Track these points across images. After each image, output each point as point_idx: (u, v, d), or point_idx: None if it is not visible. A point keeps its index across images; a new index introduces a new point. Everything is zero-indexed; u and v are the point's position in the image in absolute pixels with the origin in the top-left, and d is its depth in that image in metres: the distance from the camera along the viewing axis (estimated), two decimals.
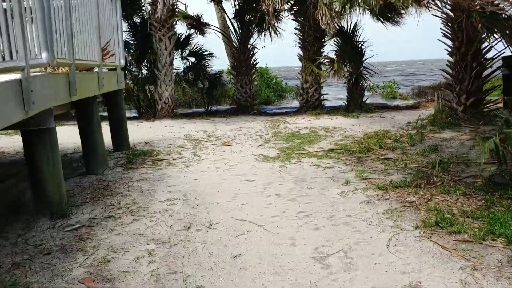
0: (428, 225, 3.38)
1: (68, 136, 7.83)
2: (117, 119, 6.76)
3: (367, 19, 35.34)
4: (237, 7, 11.93)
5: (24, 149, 3.84)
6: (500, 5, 4.92)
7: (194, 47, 12.23)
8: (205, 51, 12.28)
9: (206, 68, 12.37)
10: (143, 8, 11.68)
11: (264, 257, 2.99)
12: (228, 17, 12.44)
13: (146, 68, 11.65)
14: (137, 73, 11.88)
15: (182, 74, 12.38)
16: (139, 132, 8.66)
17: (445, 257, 2.89)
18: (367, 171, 5.08)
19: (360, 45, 11.19)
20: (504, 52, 8.15)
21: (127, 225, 3.56)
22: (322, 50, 11.52)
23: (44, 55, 3.45)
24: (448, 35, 8.44)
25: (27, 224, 3.60)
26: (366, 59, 11.28)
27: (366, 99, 11.83)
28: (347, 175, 5.01)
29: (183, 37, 12.02)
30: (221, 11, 13.51)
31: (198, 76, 12.39)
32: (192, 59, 12.35)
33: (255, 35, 12.14)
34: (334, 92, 14.90)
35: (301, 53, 11.66)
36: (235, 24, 12.12)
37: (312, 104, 11.59)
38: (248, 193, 4.48)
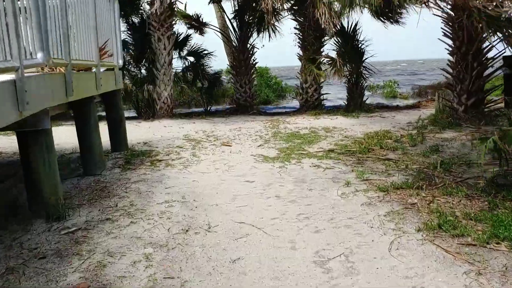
0: (430, 228, 3.32)
1: (66, 136, 7.78)
2: (115, 119, 6.70)
3: (367, 18, 35.27)
4: (236, 6, 11.87)
5: (20, 151, 3.78)
6: (504, 7, 4.86)
7: (193, 47, 12.18)
8: (204, 50, 12.23)
9: (205, 67, 12.31)
10: (142, 8, 11.61)
11: (263, 261, 2.93)
12: (228, 16, 12.39)
13: (145, 68, 11.59)
14: (136, 73, 11.81)
15: (181, 74, 12.32)
16: (137, 132, 8.60)
17: (449, 261, 2.83)
18: (368, 172, 5.02)
19: (360, 45, 11.13)
20: (505, 52, 8.10)
21: (124, 228, 3.49)
22: (321, 50, 11.46)
23: (39, 55, 3.39)
24: (449, 34, 8.39)
25: (23, 227, 3.54)
26: (366, 59, 11.22)
27: (366, 99, 11.77)
28: (348, 176, 4.95)
29: (182, 36, 11.97)
30: (221, 10, 13.45)
31: (197, 76, 12.33)
32: (191, 58, 12.29)
33: (255, 34, 12.09)
34: (334, 91, 14.83)
35: (301, 52, 11.60)
36: (235, 24, 12.07)
37: (312, 104, 11.53)
38: (248, 195, 4.42)
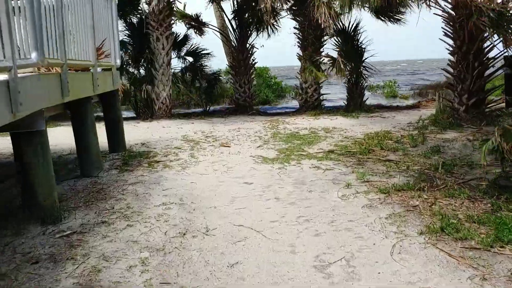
0: (433, 231, 3.25)
1: (63, 137, 7.71)
2: (113, 120, 6.63)
3: (367, 18, 35.22)
4: (236, 6, 11.80)
5: (14, 152, 3.73)
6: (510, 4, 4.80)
7: (192, 47, 12.10)
8: (203, 50, 12.16)
9: (204, 67, 12.24)
10: (140, 7, 11.53)
11: (262, 265, 2.86)
12: (227, 16, 12.33)
13: (143, 67, 11.51)
14: (134, 73, 11.73)
15: (179, 74, 12.25)
16: (136, 132, 8.53)
17: (452, 266, 2.76)
18: (368, 173, 4.95)
19: (360, 44, 11.06)
20: (506, 51, 8.02)
21: (120, 231, 3.42)
22: (321, 50, 11.39)
23: (33, 55, 3.32)
24: (450, 34, 8.32)
25: (17, 230, 3.46)
26: (365, 59, 11.16)
27: (366, 99, 11.71)
28: (348, 177, 4.88)
29: (181, 36, 11.89)
30: (220, 10, 13.38)
31: (196, 76, 12.25)
32: (190, 58, 12.22)
33: (254, 34, 12.02)
34: (334, 92, 14.77)
35: (300, 52, 11.53)
36: (234, 24, 12.00)
37: (312, 104, 11.46)
38: (246, 197, 4.35)
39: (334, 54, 10.72)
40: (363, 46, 11.09)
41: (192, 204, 4.10)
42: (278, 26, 11.71)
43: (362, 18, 24.44)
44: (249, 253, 3.04)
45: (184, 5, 11.95)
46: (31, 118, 3.49)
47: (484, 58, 8.08)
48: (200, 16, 11.96)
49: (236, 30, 11.98)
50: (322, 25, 9.39)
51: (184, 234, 3.36)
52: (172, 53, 11.34)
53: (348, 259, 2.91)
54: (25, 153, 3.63)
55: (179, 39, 11.84)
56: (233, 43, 12.17)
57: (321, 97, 11.77)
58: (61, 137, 7.82)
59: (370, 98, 13.04)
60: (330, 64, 10.67)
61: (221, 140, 7.52)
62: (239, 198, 4.31)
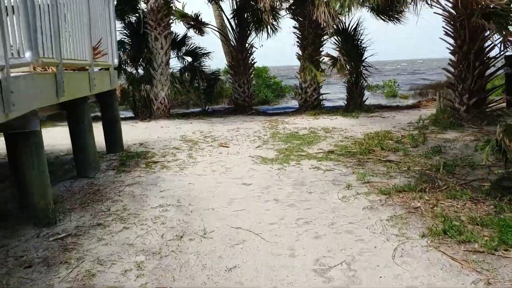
0: (435, 234, 3.18)
1: (61, 137, 7.63)
2: (111, 120, 6.55)
3: (367, 17, 35.13)
4: (235, 6, 11.72)
5: (8, 153, 3.64)
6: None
7: (191, 46, 12.03)
8: (202, 50, 12.08)
9: (203, 67, 12.17)
10: (139, 6, 11.45)
11: (261, 269, 2.79)
12: (226, 16, 12.26)
13: (142, 67, 11.44)
14: (133, 72, 11.65)
15: (178, 74, 12.17)
16: (134, 132, 8.46)
17: (456, 270, 2.69)
18: (369, 174, 4.88)
19: (360, 44, 10.99)
20: (507, 51, 7.96)
21: (116, 234, 3.35)
22: (321, 49, 11.32)
23: (27, 54, 3.25)
24: (450, 33, 8.25)
25: (11, 232, 3.39)
26: (365, 58, 11.09)
27: (366, 99, 11.63)
28: (348, 178, 4.81)
29: (180, 36, 11.82)
30: (219, 9, 13.31)
31: (194, 76, 12.19)
32: (189, 58, 12.14)
33: (253, 34, 11.95)
34: (334, 91, 14.70)
35: (300, 52, 11.46)
36: (233, 23, 11.93)
37: (311, 104, 11.40)
38: (245, 198, 4.28)
39: (334, 54, 10.65)
40: (363, 46, 11.02)
41: (190, 206, 4.03)
42: (278, 26, 11.66)
43: (362, 18, 24.40)
44: (248, 257, 2.97)
45: (183, 5, 11.89)
46: (25, 118, 3.42)
47: (485, 58, 8.01)
48: (200, 16, 11.89)
49: (235, 30, 11.91)
50: (322, 24, 9.31)
51: (181, 236, 3.29)
52: (171, 53, 11.27)
53: (349, 263, 2.84)
54: (19, 154, 3.55)
55: (178, 38, 11.77)
56: (232, 43, 12.10)
57: (320, 97, 11.70)
58: (59, 138, 7.76)
59: (370, 98, 12.98)
60: (330, 64, 10.59)
61: (219, 140, 7.45)
62: (237, 199, 4.24)
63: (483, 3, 5.41)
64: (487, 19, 6.19)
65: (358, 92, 11.15)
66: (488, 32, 7.56)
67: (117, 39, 10.37)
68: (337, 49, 10.62)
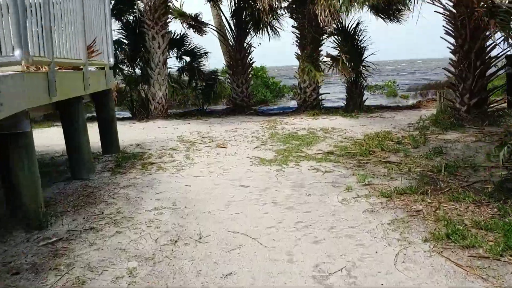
0: (438, 238, 3.08)
1: (57, 137, 7.50)
2: (106, 120, 6.44)
3: (367, 17, 35.05)
4: (234, 5, 11.62)
5: None
6: None
7: (189, 46, 11.92)
8: (201, 49, 11.97)
9: (201, 67, 12.06)
10: (136, 6, 11.34)
11: (258, 276, 2.69)
12: (224, 15, 12.16)
13: (139, 67, 11.33)
14: (130, 72, 11.54)
15: (176, 74, 12.06)
16: (131, 133, 8.35)
17: (460, 276, 2.59)
18: (369, 176, 4.78)
19: (360, 44, 10.88)
20: (509, 50, 7.87)
21: (108, 238, 3.24)
22: (320, 49, 11.22)
23: (17, 52, 3.14)
24: (451, 32, 8.16)
25: (1, 237, 3.28)
26: (365, 58, 10.98)
27: (366, 99, 11.53)
28: (348, 180, 4.71)
29: (177, 35, 11.70)
30: (217, 9, 13.21)
31: (193, 76, 12.08)
32: (187, 58, 12.03)
33: (252, 33, 11.85)
34: (333, 91, 14.60)
35: (299, 51, 11.36)
36: (232, 23, 11.82)
37: (310, 104, 11.29)
38: (243, 201, 4.18)
39: (334, 54, 10.54)
40: (363, 45, 10.92)
41: (186, 209, 3.92)
42: (279, 27, 11.58)
43: (362, 17, 24.30)
44: (244, 262, 2.86)
45: (181, 3, 11.78)
46: (15, 119, 3.30)
47: (486, 57, 7.91)
48: (199, 15, 11.79)
49: (234, 29, 11.80)
50: (322, 23, 9.19)
51: (175, 241, 3.19)
52: (169, 52, 11.16)
53: (349, 269, 2.74)
54: (9, 156, 3.44)
55: (176, 38, 11.65)
56: (230, 42, 12.01)
57: (320, 97, 11.60)
58: (55, 138, 7.65)
59: (370, 98, 12.88)
60: (330, 64, 10.47)
61: (217, 141, 7.34)
62: (234, 202, 4.13)
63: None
64: (489, 16, 6.07)
65: (358, 92, 11.05)
66: (489, 32, 7.47)
67: (115, 38, 10.30)
68: (338, 48, 10.50)
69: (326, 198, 4.16)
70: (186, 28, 11.76)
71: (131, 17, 11.40)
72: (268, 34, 11.68)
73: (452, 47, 8.25)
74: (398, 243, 3.08)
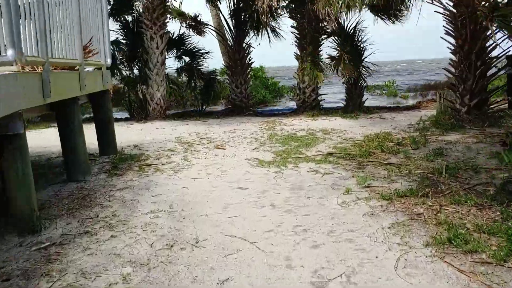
0: (439, 243, 3.01)
1: (54, 138, 7.37)
2: (103, 121, 6.37)
3: (367, 17, 35.02)
4: (233, 6, 11.55)
5: None
6: None
7: (188, 46, 11.85)
8: (199, 50, 11.91)
9: (200, 67, 12.00)
10: (135, 6, 11.27)
11: (255, 282, 2.62)
12: (223, 15, 12.10)
13: (137, 67, 11.26)
14: (128, 72, 11.48)
15: (175, 74, 12.00)
16: (128, 134, 8.28)
17: (463, 283, 2.52)
18: (369, 178, 4.71)
19: (360, 44, 10.82)
20: (509, 51, 7.82)
21: (103, 242, 3.17)
22: (320, 49, 11.15)
23: (9, 52, 3.08)
24: (451, 32, 8.10)
25: None
26: (365, 58, 10.92)
27: (365, 100, 11.47)
28: (348, 182, 4.64)
29: (176, 35, 11.63)
30: (216, 9, 13.14)
31: (192, 76, 12.01)
32: (186, 58, 11.97)
33: (251, 33, 11.79)
34: (332, 92, 14.53)
35: (298, 52, 11.29)
36: (231, 23, 11.76)
37: (310, 105, 11.22)
38: (240, 203, 4.11)
39: (333, 54, 10.47)
40: (363, 46, 10.85)
41: (183, 212, 3.85)
42: (279, 28, 11.53)
43: (362, 17, 24.23)
44: (242, 268, 2.79)
45: (180, 3, 11.72)
46: (7, 120, 3.24)
47: (487, 58, 7.86)
48: (198, 16, 11.73)
49: (233, 30, 11.74)
50: (321, 23, 9.12)
51: (171, 246, 3.12)
52: (168, 53, 11.09)
53: (349, 275, 2.67)
54: (1, 158, 3.37)
55: (175, 38, 11.58)
56: (229, 43, 11.94)
57: (319, 98, 11.53)
58: (52, 139, 7.56)
59: (370, 99, 12.82)
60: (331, 64, 10.40)
61: (216, 142, 7.27)
62: (232, 205, 4.06)
63: None
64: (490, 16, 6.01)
65: (357, 92, 10.99)
66: (489, 32, 7.41)
67: (112, 39, 10.24)
68: (337, 48, 10.43)
69: (325, 200, 4.09)
70: (185, 28, 11.72)
71: (129, 17, 11.33)
72: (268, 37, 11.68)
73: (452, 48, 8.19)
74: (399, 247, 3.01)
